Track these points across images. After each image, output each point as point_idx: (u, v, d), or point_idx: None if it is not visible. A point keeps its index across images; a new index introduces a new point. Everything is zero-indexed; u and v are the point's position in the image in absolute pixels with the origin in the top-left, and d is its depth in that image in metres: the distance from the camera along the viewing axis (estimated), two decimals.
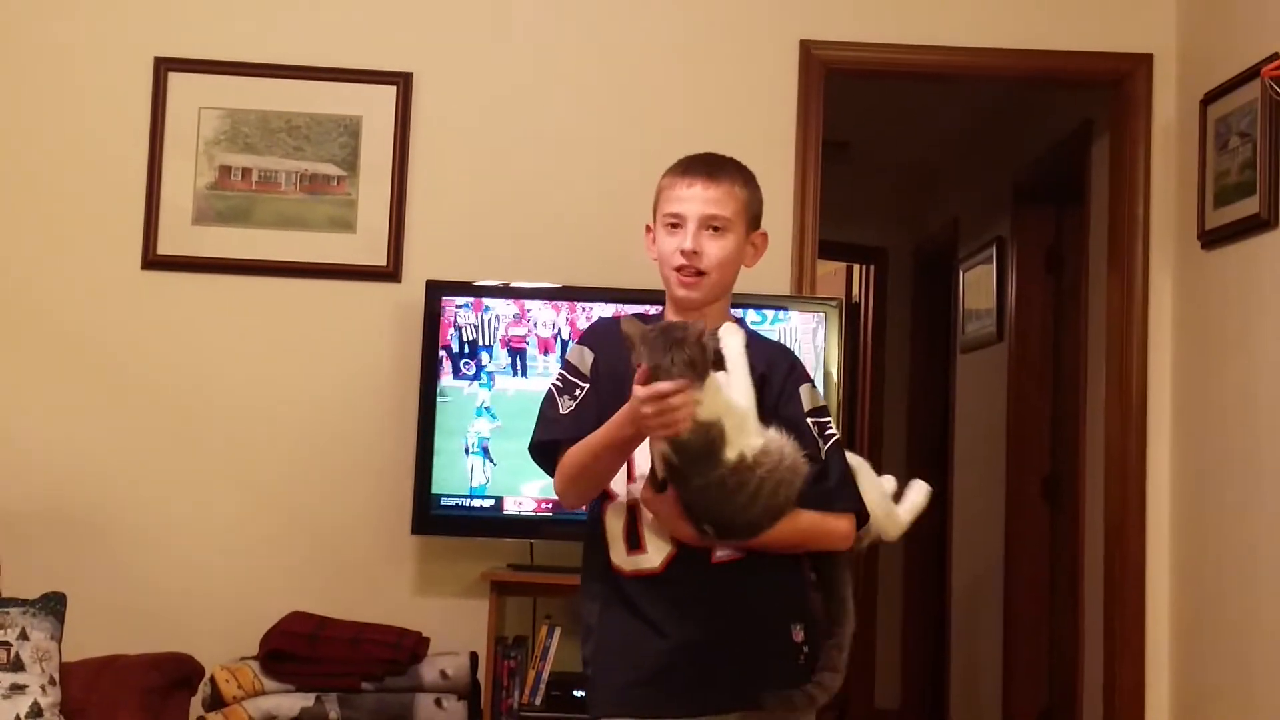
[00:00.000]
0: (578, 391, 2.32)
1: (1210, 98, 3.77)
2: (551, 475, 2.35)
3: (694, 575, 2.23)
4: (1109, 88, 4.20)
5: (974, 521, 5.73)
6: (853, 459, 2.39)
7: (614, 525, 2.30)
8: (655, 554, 2.26)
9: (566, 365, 2.38)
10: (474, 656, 3.67)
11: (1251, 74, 3.53)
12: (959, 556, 5.97)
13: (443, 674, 3.58)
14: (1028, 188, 5.32)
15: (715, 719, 2.23)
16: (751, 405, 2.21)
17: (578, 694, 3.57)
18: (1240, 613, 3.55)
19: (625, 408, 2.13)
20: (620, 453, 2.23)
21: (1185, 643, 3.88)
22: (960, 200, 6.13)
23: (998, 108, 5.47)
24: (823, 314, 3.77)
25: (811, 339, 3.70)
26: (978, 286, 5.76)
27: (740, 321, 2.42)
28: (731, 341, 2.25)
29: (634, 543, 2.27)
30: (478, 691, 3.63)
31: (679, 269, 2.31)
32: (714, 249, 2.30)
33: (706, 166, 2.34)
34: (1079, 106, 4.68)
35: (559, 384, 2.35)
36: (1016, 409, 5.30)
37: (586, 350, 2.36)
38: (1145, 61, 4.09)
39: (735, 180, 2.34)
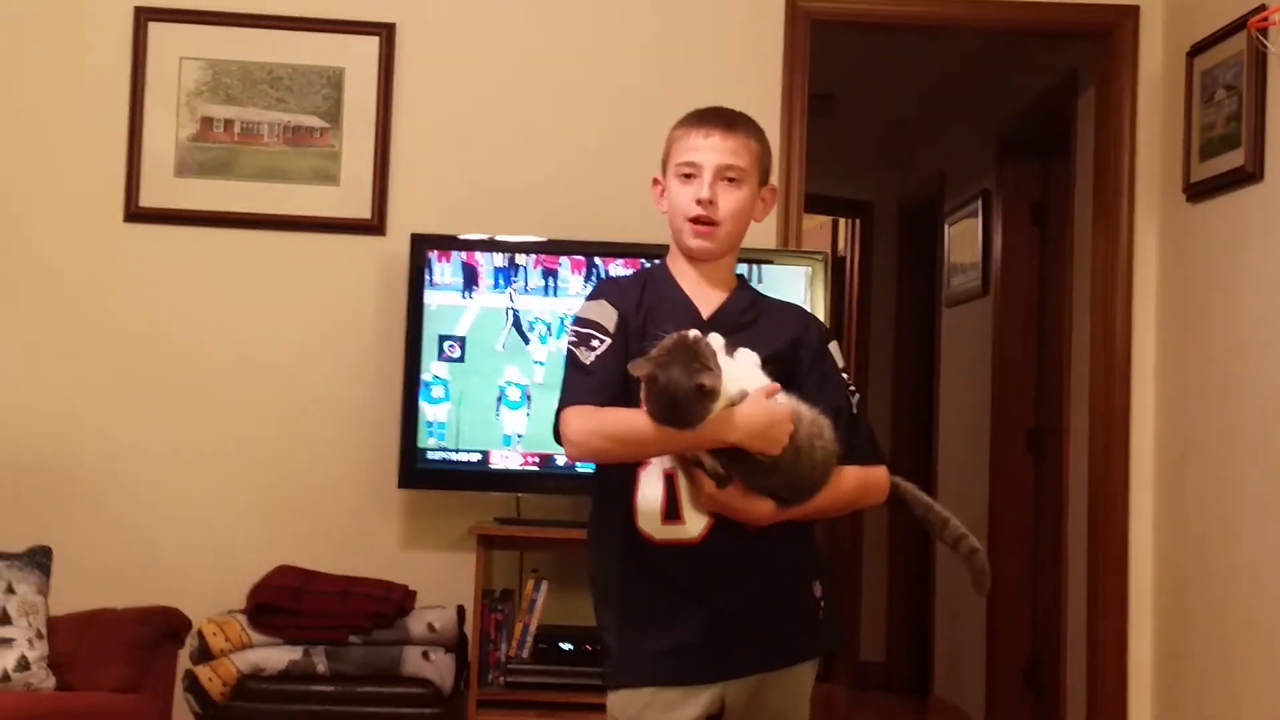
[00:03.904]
0: (595, 342, 2.26)
1: (1196, 50, 3.76)
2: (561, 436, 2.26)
3: (729, 543, 2.21)
4: (1094, 39, 4.18)
5: (959, 474, 5.75)
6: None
7: (648, 494, 2.23)
8: (693, 525, 2.21)
9: (583, 321, 2.30)
10: (461, 610, 3.68)
11: (1238, 26, 3.52)
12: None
13: (430, 627, 3.59)
14: (1013, 141, 5.31)
15: (740, 680, 2.24)
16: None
17: (565, 646, 3.60)
18: (1222, 564, 3.57)
19: (719, 423, 2.09)
20: (679, 449, 2.18)
21: (1168, 596, 3.91)
22: (945, 153, 6.12)
23: (982, 60, 5.45)
24: (809, 268, 3.76)
25: (798, 293, 3.69)
26: (963, 240, 5.76)
27: (743, 278, 2.41)
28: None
29: (672, 513, 2.22)
30: (465, 644, 3.64)
31: (694, 219, 2.29)
32: (729, 199, 2.29)
33: (722, 118, 2.32)
34: (1064, 59, 4.67)
35: (574, 339, 2.29)
36: (1001, 362, 5.31)
37: (608, 307, 2.29)
38: (1131, 13, 4.08)
39: (750, 133, 2.33)
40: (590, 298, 2.36)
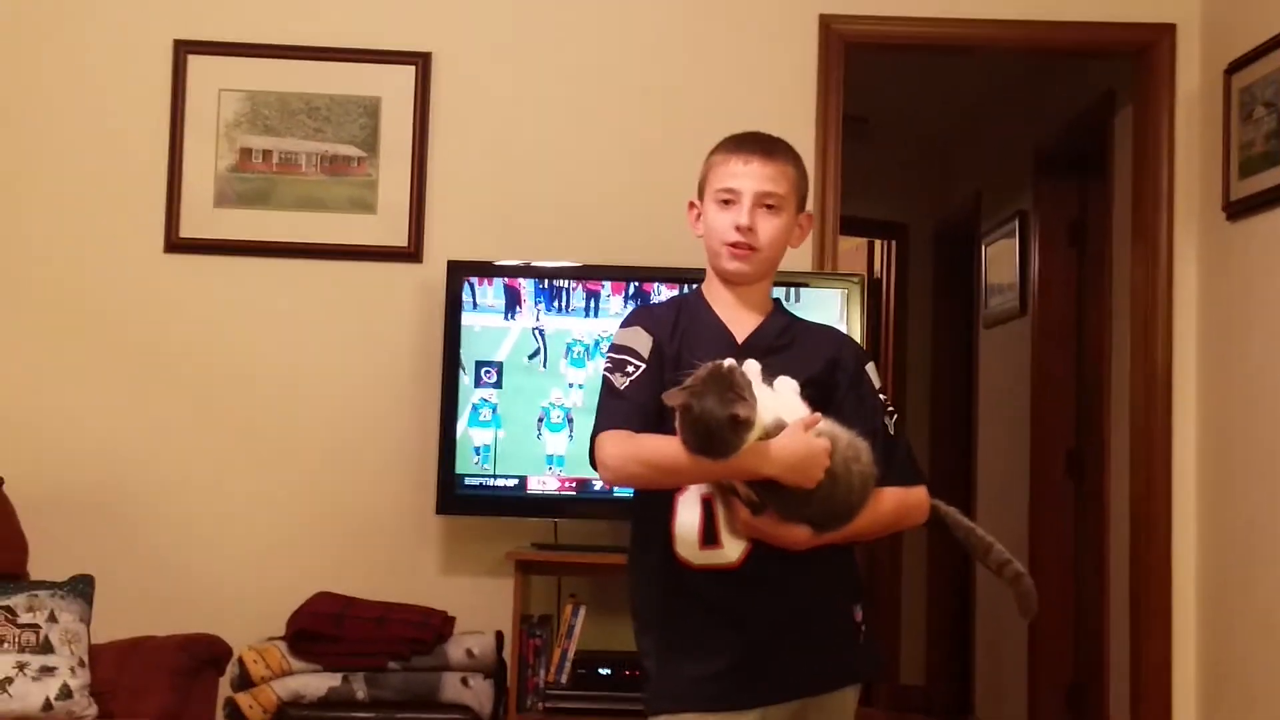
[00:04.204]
0: (630, 368, 2.27)
1: (1234, 67, 3.73)
2: (596, 460, 2.27)
3: (768, 568, 2.20)
4: (1132, 58, 4.17)
5: (998, 497, 5.71)
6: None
7: (686, 520, 2.22)
8: (732, 550, 2.21)
9: (618, 347, 2.31)
10: (500, 635, 3.68)
11: (1275, 43, 3.50)
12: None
13: (469, 653, 3.59)
14: (1050, 160, 5.29)
15: (781, 705, 2.23)
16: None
17: (603, 671, 3.59)
18: (1267, 586, 3.53)
19: (754, 456, 2.08)
20: (714, 478, 2.18)
21: (1212, 617, 3.87)
22: (982, 173, 6.09)
23: (1019, 79, 5.43)
24: (845, 290, 3.75)
25: (834, 316, 3.69)
26: (1000, 260, 5.73)
27: (779, 302, 2.41)
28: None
29: (710, 538, 2.21)
30: (504, 670, 3.64)
31: (733, 245, 2.29)
32: (768, 226, 2.29)
33: (762, 144, 2.33)
34: (1101, 77, 4.65)
35: (610, 365, 2.30)
36: (1040, 383, 5.28)
37: (643, 333, 2.30)
38: (1168, 31, 4.06)
39: (788, 160, 2.33)
40: (625, 324, 2.36)
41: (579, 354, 3.71)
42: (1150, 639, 3.99)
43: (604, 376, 2.30)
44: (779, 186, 2.30)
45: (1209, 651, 3.88)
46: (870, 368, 2.37)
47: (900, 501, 2.30)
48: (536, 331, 3.71)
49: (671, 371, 2.24)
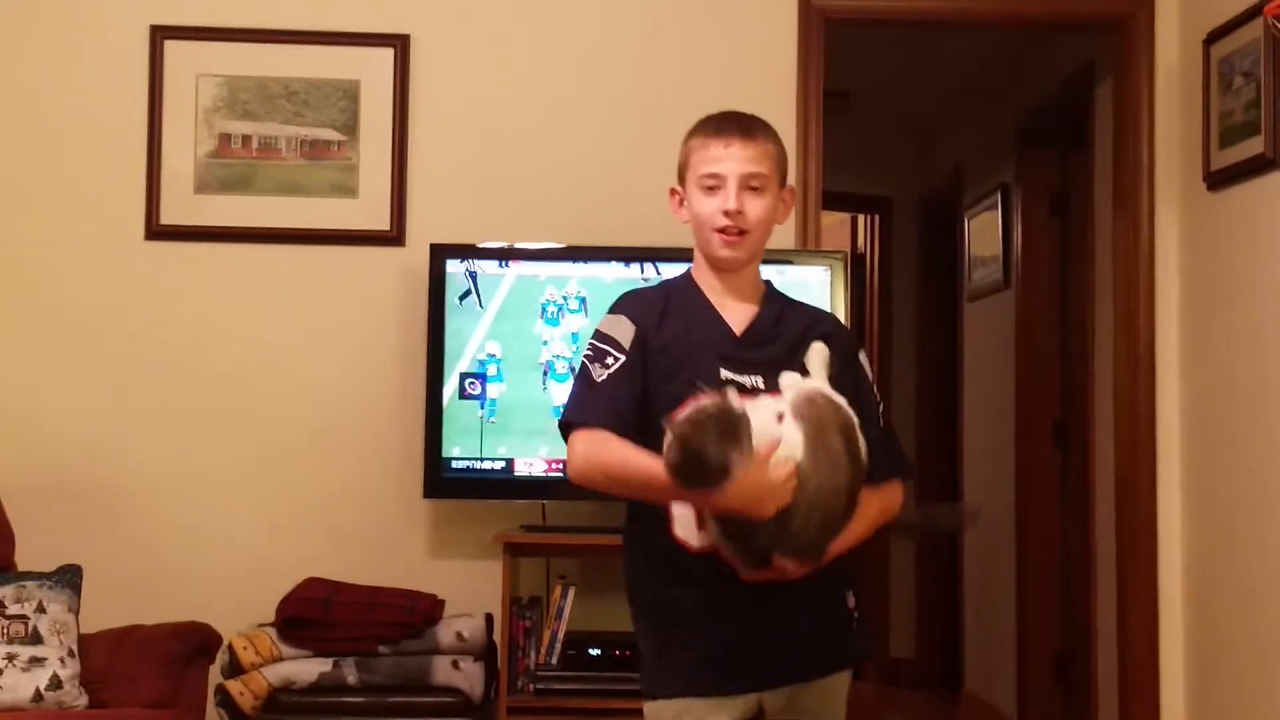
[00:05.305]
0: (609, 359, 2.25)
1: (1213, 37, 3.74)
2: (566, 456, 2.28)
3: None
4: (1110, 30, 4.17)
5: (985, 469, 5.73)
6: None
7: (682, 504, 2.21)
8: None
9: (600, 335, 2.30)
10: (489, 618, 3.68)
11: (1254, 13, 3.50)
12: (971, 504, 5.97)
13: (459, 636, 3.60)
14: (1031, 132, 5.29)
15: (773, 692, 2.24)
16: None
17: (594, 652, 3.60)
18: (1251, 553, 3.55)
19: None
20: (668, 500, 2.17)
21: (1197, 586, 3.89)
22: (963, 147, 6.09)
23: (998, 52, 5.43)
24: (828, 267, 3.75)
25: (819, 293, 3.68)
26: (983, 233, 5.74)
27: (770, 284, 2.40)
28: (815, 360, 2.23)
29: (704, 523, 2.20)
30: (494, 652, 3.64)
31: (722, 230, 2.27)
32: (755, 207, 2.27)
33: (740, 125, 2.30)
34: (1081, 49, 4.65)
35: (590, 353, 2.28)
36: (1025, 355, 5.29)
37: (627, 322, 2.28)
38: (1146, 2, 4.06)
39: (768, 137, 2.31)
40: (611, 310, 2.34)
41: (553, 313, 3.72)
42: (1136, 608, 4.02)
43: (583, 362, 2.29)
44: (762, 166, 2.27)
45: (1194, 619, 3.90)
46: (862, 356, 2.38)
47: (880, 508, 2.28)
48: (468, 274, 3.72)
49: (659, 358, 2.23)
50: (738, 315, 2.32)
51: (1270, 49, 3.43)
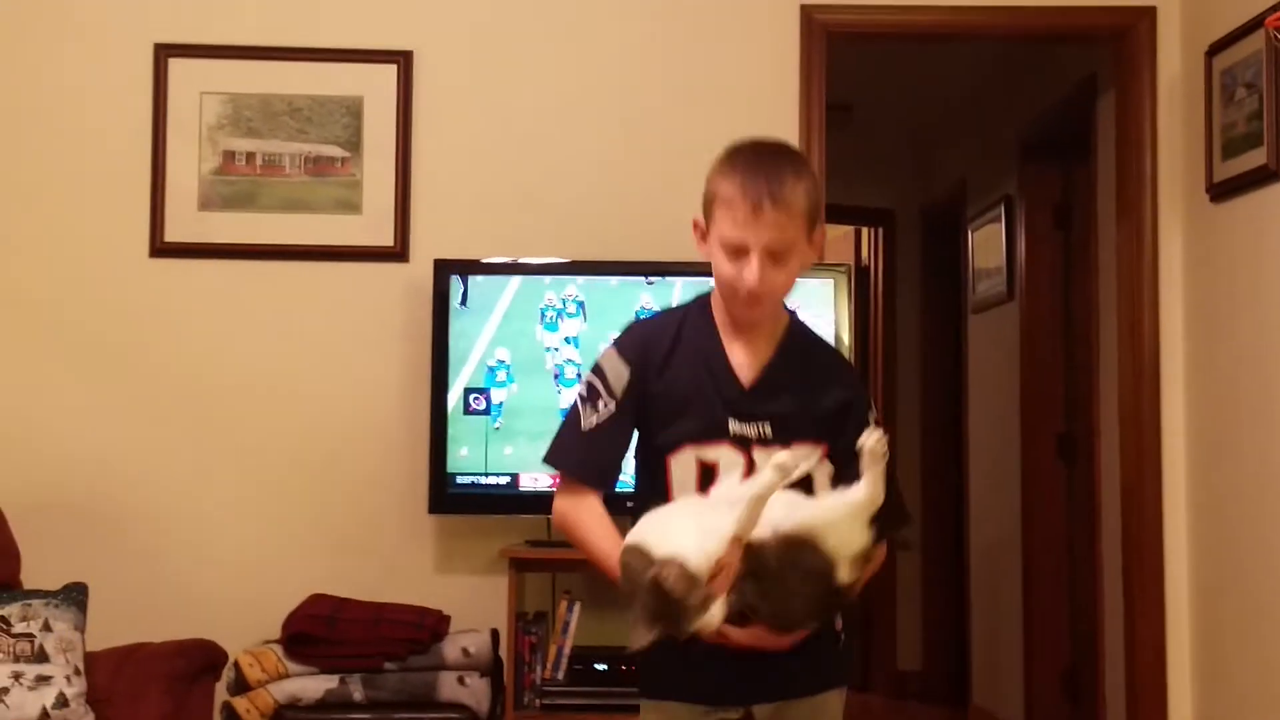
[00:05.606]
0: (601, 404, 2.22)
1: (1215, 49, 3.74)
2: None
3: None
4: (1112, 42, 4.17)
5: (990, 481, 5.73)
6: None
7: None
8: None
9: (598, 371, 2.25)
10: (495, 633, 3.68)
11: (1255, 24, 3.50)
12: (977, 517, 5.97)
13: (465, 651, 3.59)
14: (1034, 144, 5.29)
15: (762, 705, 2.25)
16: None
17: (599, 667, 3.60)
18: (1258, 565, 3.54)
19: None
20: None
21: (1204, 597, 3.88)
22: (966, 159, 6.10)
23: (1001, 65, 5.44)
24: (832, 280, 3.75)
25: (822, 306, 3.69)
26: (987, 245, 5.74)
27: (794, 315, 2.33)
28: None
29: None
30: (500, 668, 3.64)
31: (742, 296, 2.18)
32: (779, 278, 2.16)
33: (770, 183, 2.12)
34: (1083, 61, 4.65)
35: (584, 393, 2.25)
36: (1029, 367, 5.29)
37: (623, 365, 2.23)
38: (1148, 14, 4.06)
39: (799, 190, 2.14)
40: (616, 342, 2.29)
41: (551, 318, 3.73)
42: (1144, 622, 4.01)
43: (577, 397, 2.26)
44: (788, 232, 2.13)
45: (1202, 632, 3.89)
46: (872, 415, 2.26)
47: (874, 565, 2.22)
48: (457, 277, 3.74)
49: (658, 401, 2.21)
50: (751, 359, 2.24)
51: (1272, 60, 3.43)
